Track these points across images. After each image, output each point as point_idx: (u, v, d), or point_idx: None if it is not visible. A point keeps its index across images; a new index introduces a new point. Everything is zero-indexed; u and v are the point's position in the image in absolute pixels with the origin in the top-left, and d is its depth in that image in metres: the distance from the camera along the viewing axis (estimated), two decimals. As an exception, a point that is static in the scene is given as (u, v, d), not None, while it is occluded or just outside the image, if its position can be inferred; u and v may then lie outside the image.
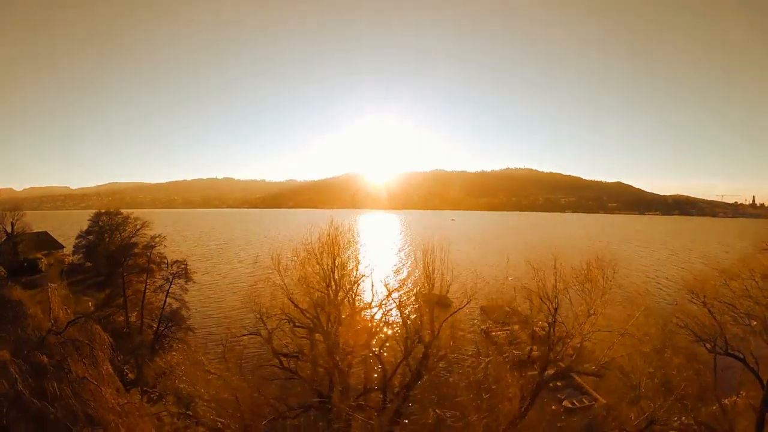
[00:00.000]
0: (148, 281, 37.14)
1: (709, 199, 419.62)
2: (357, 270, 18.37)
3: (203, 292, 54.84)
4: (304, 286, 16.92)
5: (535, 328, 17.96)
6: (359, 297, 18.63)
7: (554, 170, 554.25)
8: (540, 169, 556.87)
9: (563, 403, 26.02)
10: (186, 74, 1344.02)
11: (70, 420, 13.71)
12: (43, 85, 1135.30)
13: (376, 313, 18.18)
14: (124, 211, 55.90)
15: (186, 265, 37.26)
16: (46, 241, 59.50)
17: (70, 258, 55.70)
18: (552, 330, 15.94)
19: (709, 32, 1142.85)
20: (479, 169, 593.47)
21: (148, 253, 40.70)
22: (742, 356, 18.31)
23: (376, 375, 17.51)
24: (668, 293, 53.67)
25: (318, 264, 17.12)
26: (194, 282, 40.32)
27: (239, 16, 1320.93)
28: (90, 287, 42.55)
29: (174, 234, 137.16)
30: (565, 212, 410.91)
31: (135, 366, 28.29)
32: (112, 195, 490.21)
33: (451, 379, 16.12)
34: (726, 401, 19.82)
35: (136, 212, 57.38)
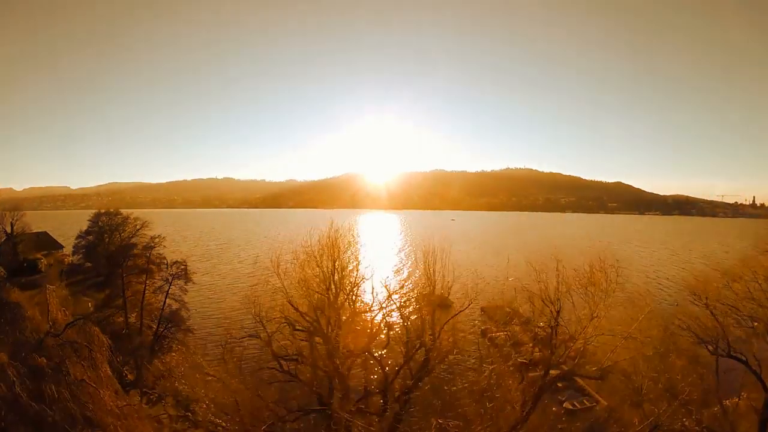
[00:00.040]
0: (147, 282, 37.06)
1: (709, 199, 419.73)
2: (357, 271, 18.24)
3: (203, 292, 54.75)
4: (303, 288, 16.81)
5: (537, 331, 17.85)
6: (360, 299, 18.51)
7: (554, 170, 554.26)
8: (540, 169, 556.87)
9: (564, 405, 25.93)
10: (186, 74, 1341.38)
11: (69, 423, 13.61)
12: (43, 85, 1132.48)
13: (376, 315, 18.05)
14: (124, 211, 55.91)
15: (185, 265, 37.18)
16: (46, 242, 59.50)
17: (70, 258, 55.67)
18: (554, 333, 15.83)
19: (709, 32, 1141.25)
20: (479, 169, 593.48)
21: (148, 254, 40.65)
22: (744, 358, 18.22)
23: (376, 377, 17.40)
24: (669, 294, 53.62)
25: (318, 266, 17.00)
26: (194, 282, 40.22)
27: (239, 16, 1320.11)
28: (90, 288, 42.53)
29: (174, 234, 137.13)
30: (565, 212, 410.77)
31: (134, 367, 28.21)
32: (112, 195, 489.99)
33: (454, 388, 16.00)
34: (727, 402, 19.77)
35: (136, 212, 57.38)
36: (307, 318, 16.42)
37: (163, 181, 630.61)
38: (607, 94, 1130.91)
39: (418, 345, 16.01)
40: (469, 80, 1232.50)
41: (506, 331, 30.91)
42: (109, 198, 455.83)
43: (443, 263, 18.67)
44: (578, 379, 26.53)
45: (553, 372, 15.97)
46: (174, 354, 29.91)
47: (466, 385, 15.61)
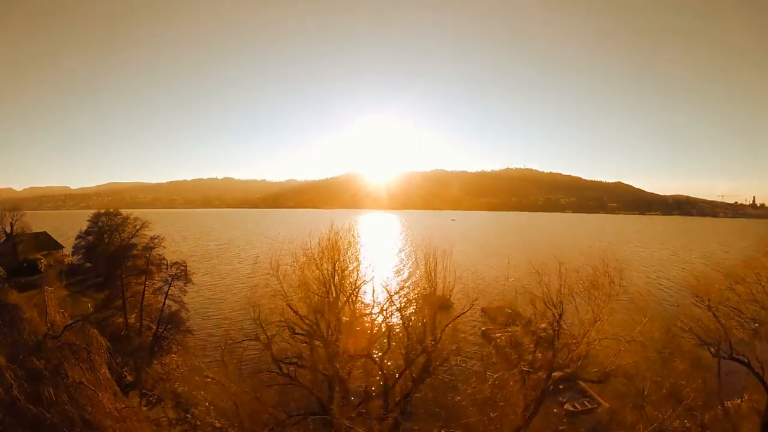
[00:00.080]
0: (147, 283, 36.97)
1: (709, 199, 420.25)
2: (358, 273, 18.10)
3: (203, 293, 54.63)
4: (303, 291, 16.68)
5: (539, 333, 17.73)
6: (360, 301, 18.38)
7: (554, 170, 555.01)
8: (540, 169, 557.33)
9: (565, 407, 25.78)
10: (186, 74, 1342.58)
11: (67, 426, 13.48)
12: (44, 85, 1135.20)
13: (377, 317, 17.93)
14: (124, 211, 55.92)
15: (185, 266, 37.07)
16: (46, 242, 59.51)
17: (70, 258, 55.66)
18: (557, 336, 15.72)
19: (709, 33, 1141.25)
20: (479, 169, 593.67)
21: (147, 255, 40.61)
22: (746, 360, 18.13)
23: (377, 378, 17.28)
24: (670, 294, 53.55)
25: (318, 269, 16.85)
26: (194, 283, 40.11)
27: (239, 16, 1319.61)
28: (89, 288, 42.52)
29: (174, 234, 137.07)
30: (565, 212, 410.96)
31: (133, 368, 28.11)
32: (112, 195, 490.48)
33: (458, 398, 15.85)
34: (729, 404, 19.68)
35: (136, 212, 57.37)
36: (307, 321, 16.29)
37: (163, 181, 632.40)
38: (607, 94, 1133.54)
39: (419, 349, 15.89)
40: (469, 80, 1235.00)
41: (507, 333, 30.80)
42: (109, 198, 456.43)
43: (444, 264, 18.58)
44: (580, 381, 26.43)
45: (555, 375, 15.85)
46: (173, 356, 29.79)
47: (469, 392, 15.45)
